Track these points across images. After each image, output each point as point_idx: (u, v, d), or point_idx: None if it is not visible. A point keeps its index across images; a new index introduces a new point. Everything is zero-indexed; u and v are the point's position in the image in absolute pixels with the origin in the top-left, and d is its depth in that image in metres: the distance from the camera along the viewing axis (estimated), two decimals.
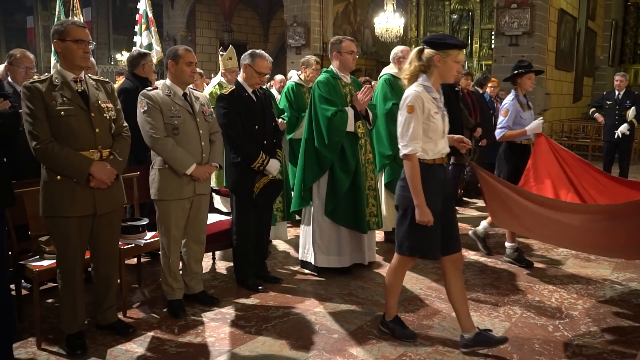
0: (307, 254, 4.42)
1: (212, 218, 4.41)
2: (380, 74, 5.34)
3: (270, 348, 3.18)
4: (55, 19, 6.75)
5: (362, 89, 4.15)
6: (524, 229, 3.95)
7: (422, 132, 2.94)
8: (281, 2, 15.46)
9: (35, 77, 3.07)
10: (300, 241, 4.49)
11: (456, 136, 3.28)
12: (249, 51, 4.06)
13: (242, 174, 3.95)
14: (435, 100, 2.98)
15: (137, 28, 7.65)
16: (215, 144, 3.70)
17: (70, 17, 6.69)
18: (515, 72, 4.73)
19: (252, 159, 3.88)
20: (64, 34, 2.95)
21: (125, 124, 3.30)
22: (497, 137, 4.74)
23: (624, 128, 7.62)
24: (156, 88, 3.60)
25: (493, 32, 13.86)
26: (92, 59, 4.09)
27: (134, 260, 4.24)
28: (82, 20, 6.93)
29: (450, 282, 3.14)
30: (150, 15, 7.55)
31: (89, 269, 3.36)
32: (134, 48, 7.50)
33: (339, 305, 3.80)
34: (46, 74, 3.07)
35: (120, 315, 3.51)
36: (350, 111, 4.11)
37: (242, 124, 3.89)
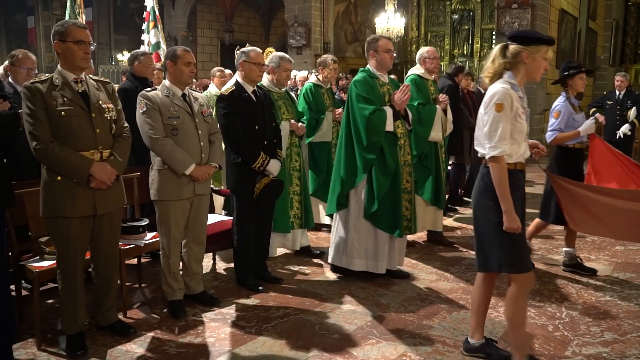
0: (342, 259, 4.24)
1: (213, 218, 4.42)
2: (407, 74, 5.27)
3: (270, 348, 3.18)
4: (67, 17, 6.68)
5: (401, 87, 4.05)
6: (607, 229, 3.87)
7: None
8: (282, 2, 15.47)
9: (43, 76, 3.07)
10: (332, 245, 4.31)
11: (531, 141, 3.11)
12: (239, 52, 4.10)
13: (242, 174, 3.95)
14: (521, 99, 2.80)
15: (144, 26, 7.54)
16: (215, 145, 3.70)
17: (76, 18, 6.66)
18: (565, 73, 4.55)
19: (253, 159, 3.88)
20: (65, 34, 2.96)
21: (126, 124, 3.30)
22: (548, 140, 4.57)
23: (625, 128, 7.63)
24: (155, 89, 3.61)
25: (494, 32, 13.83)
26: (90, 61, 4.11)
27: (135, 261, 4.24)
28: (83, 21, 6.90)
29: (485, 289, 3.00)
30: (157, 12, 7.45)
31: (89, 270, 3.36)
32: (141, 47, 7.46)
33: (339, 306, 3.80)
34: (47, 74, 3.07)
35: (120, 316, 3.51)
36: (388, 110, 4.00)
37: (242, 124, 3.90)
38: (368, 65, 4.20)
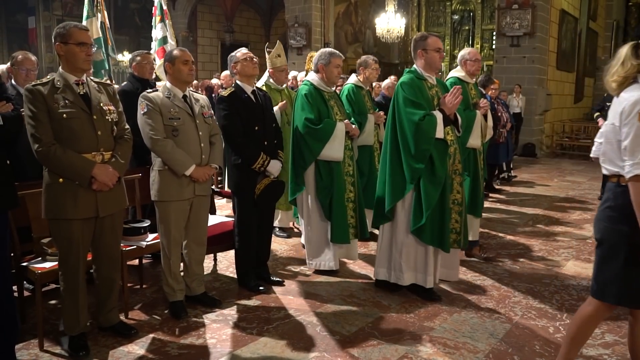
0: (390, 274, 3.96)
1: (214, 219, 4.42)
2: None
3: (271, 349, 3.19)
4: (84, 18, 6.55)
5: (452, 90, 3.71)
6: None
7: None
8: (282, 3, 15.49)
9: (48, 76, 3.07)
10: (378, 260, 4.04)
11: None
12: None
13: (243, 175, 3.96)
14: None
15: (153, 21, 7.42)
16: (215, 146, 3.71)
17: (95, 15, 6.59)
18: None
19: (253, 159, 3.90)
20: (67, 36, 2.97)
21: (127, 126, 3.31)
22: None
23: None
24: (157, 90, 3.62)
25: (494, 33, 13.85)
26: None
27: (136, 262, 4.25)
28: (105, 19, 6.75)
29: (595, 319, 2.67)
30: (165, 7, 7.30)
31: (91, 271, 3.37)
32: (152, 43, 7.38)
33: (340, 307, 3.81)
34: (48, 76, 3.08)
35: (122, 317, 3.52)
36: (438, 115, 3.66)
37: (242, 125, 3.90)
38: (415, 66, 3.88)
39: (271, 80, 5.32)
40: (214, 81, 9.77)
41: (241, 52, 4.07)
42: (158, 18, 7.21)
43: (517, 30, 12.41)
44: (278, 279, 4.27)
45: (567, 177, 10.06)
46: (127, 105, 3.89)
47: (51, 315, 3.62)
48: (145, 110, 3.46)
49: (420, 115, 3.62)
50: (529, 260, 4.90)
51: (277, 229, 5.59)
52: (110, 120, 3.14)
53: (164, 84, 3.68)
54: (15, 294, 3.38)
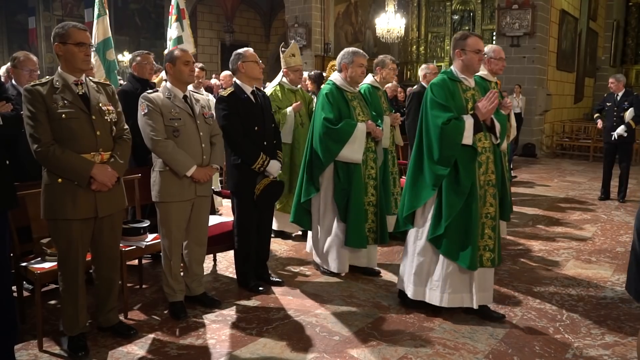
0: (406, 283, 3.73)
1: (214, 220, 4.42)
2: None
3: (271, 350, 3.18)
4: (95, 16, 6.41)
5: (487, 94, 3.47)
6: None
7: None
8: (283, 3, 15.48)
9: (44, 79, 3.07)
10: (404, 274, 3.77)
11: None
12: (233, 56, 4.06)
13: (243, 175, 3.96)
14: None
15: (169, 20, 7.13)
16: (216, 146, 3.71)
17: (105, 13, 6.47)
18: None
19: (253, 160, 3.89)
20: (66, 37, 2.96)
21: (126, 126, 3.31)
22: None
23: (620, 130, 7.56)
24: (157, 90, 3.61)
25: (494, 33, 13.85)
26: (93, 61, 4.11)
27: (135, 262, 4.24)
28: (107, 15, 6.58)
29: None
30: (182, 6, 6.97)
31: (91, 271, 3.37)
32: (166, 42, 7.17)
33: (340, 307, 3.80)
34: (47, 77, 3.08)
35: (121, 317, 3.51)
36: (468, 120, 3.41)
37: (242, 126, 3.90)
38: (451, 67, 3.65)
39: (285, 80, 5.22)
40: (214, 81, 9.76)
41: (250, 52, 4.05)
42: (174, 17, 6.94)
43: (517, 31, 12.42)
44: (278, 279, 4.27)
45: (567, 178, 10.05)
46: (127, 106, 3.90)
47: (51, 316, 3.62)
48: (146, 111, 3.46)
49: (445, 119, 3.39)
50: (529, 261, 4.90)
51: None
52: (109, 120, 3.13)
53: (164, 84, 3.68)
54: (15, 294, 3.38)
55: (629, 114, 7.56)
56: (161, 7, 18.26)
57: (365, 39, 16.16)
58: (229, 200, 4.88)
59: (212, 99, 5.78)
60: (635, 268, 2.45)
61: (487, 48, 4.83)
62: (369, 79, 5.32)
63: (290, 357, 3.10)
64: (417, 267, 3.62)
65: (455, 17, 15.63)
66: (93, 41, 6.19)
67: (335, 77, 4.32)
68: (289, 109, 5.14)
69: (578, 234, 5.93)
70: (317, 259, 4.50)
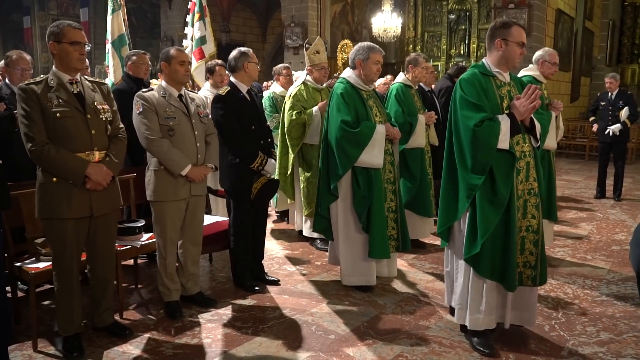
0: (465, 316, 3.21)
1: (209, 219, 4.41)
2: (520, 76, 4.69)
3: (266, 349, 3.18)
4: (110, 12, 6.12)
5: (526, 90, 3.03)
6: None
7: None
8: (279, 2, 15.45)
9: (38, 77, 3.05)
10: (455, 296, 3.31)
11: None
12: (237, 53, 4.01)
13: (240, 175, 3.95)
14: None
15: (188, 18, 6.81)
16: (211, 145, 3.70)
17: (120, 8, 6.18)
18: None
19: (252, 159, 3.89)
20: (60, 35, 2.95)
21: (122, 125, 3.30)
22: None
23: (615, 128, 7.63)
24: (152, 89, 3.60)
25: None
26: (87, 60, 4.09)
27: (131, 262, 4.24)
28: (125, 15, 6.28)
29: None
30: (204, 3, 6.63)
31: (86, 271, 3.36)
32: (184, 41, 6.85)
33: (335, 306, 3.80)
34: (42, 75, 3.06)
35: (116, 317, 3.50)
36: (504, 121, 2.97)
37: (240, 125, 3.89)
38: (484, 59, 3.19)
39: (309, 78, 5.00)
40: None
41: (252, 52, 4.05)
42: (197, 15, 6.60)
43: None
44: (274, 278, 4.26)
45: (563, 176, 10.07)
46: (122, 105, 3.87)
47: (45, 316, 3.60)
48: (141, 109, 3.45)
49: (477, 120, 2.96)
50: None
51: (318, 241, 5.18)
52: (104, 119, 3.12)
53: (159, 83, 3.67)
54: (9, 295, 3.37)
55: (624, 112, 7.60)
56: (157, 7, 18.21)
57: (361, 38, 16.13)
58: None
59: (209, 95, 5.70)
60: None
61: (543, 51, 4.84)
62: (400, 77, 5.22)
63: (286, 356, 3.10)
64: (461, 290, 3.20)
65: (452, 16, 15.63)
66: (108, 38, 6.10)
67: (349, 74, 4.02)
68: (314, 109, 4.90)
69: (574, 232, 5.94)
70: (345, 275, 4.11)
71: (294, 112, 4.91)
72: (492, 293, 3.11)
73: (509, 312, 3.16)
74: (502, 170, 3.00)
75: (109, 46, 6.10)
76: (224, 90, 4.03)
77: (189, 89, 3.95)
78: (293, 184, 5.19)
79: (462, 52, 15.27)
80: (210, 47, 6.63)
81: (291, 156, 5.04)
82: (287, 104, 5.00)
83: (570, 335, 3.37)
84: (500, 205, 2.99)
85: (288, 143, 5.02)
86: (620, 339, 3.34)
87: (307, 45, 5.03)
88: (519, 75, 4.79)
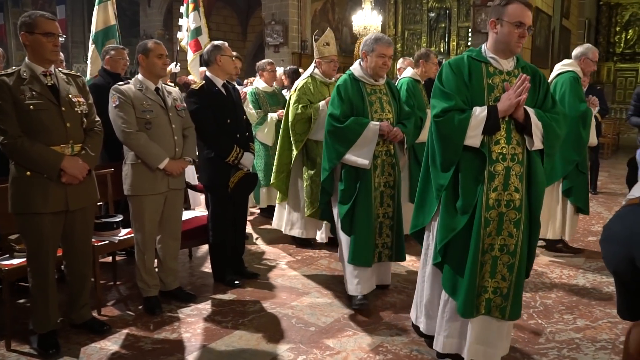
0: (417, 315, 3.12)
1: (189, 214, 4.38)
2: (560, 71, 4.70)
3: (246, 342, 3.17)
4: (97, 2, 5.79)
5: (517, 80, 2.59)
6: None
7: None
8: (259, 1, 15.41)
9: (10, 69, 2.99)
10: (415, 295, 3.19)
11: None
12: (210, 47, 4.00)
13: (216, 169, 3.93)
14: None
15: (182, 9, 6.62)
16: (189, 139, 3.68)
17: (106, 2, 5.81)
18: None
19: (227, 152, 3.87)
20: (32, 26, 2.90)
21: (98, 118, 3.26)
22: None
23: None
24: (129, 82, 3.56)
25: (470, 30, 13.97)
26: (61, 54, 4.03)
27: (109, 259, 4.19)
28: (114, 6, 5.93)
29: None
30: None
31: (62, 267, 3.31)
32: (178, 33, 6.64)
33: (315, 299, 3.80)
34: (13, 67, 3.01)
35: (94, 314, 3.46)
36: (479, 114, 2.58)
37: (215, 119, 3.87)
38: (484, 43, 2.78)
39: (317, 71, 4.71)
40: (191, 77, 9.68)
41: (226, 45, 4.01)
42: (191, 6, 6.42)
43: None
44: (254, 272, 4.25)
45: None
46: (99, 100, 3.82)
47: (20, 314, 3.53)
48: (117, 103, 3.42)
49: (439, 110, 2.64)
50: None
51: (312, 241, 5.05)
52: (79, 112, 3.08)
53: (135, 76, 3.63)
54: None
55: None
56: (136, 5, 18.03)
57: (342, 36, 16.15)
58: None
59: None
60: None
61: (586, 47, 4.78)
62: (409, 72, 5.11)
63: (266, 349, 3.09)
64: (428, 296, 2.96)
65: (432, 14, 15.73)
66: (92, 30, 5.91)
67: (355, 66, 3.75)
68: (321, 103, 4.59)
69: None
70: (346, 280, 3.78)
71: (300, 106, 4.57)
72: (455, 315, 2.75)
73: (470, 343, 2.72)
74: (468, 173, 2.62)
75: (91, 38, 5.91)
76: (197, 84, 4.01)
77: (190, 83, 3.90)
78: (288, 182, 4.90)
79: (442, 49, 15.38)
80: (205, 39, 6.46)
81: (294, 153, 4.68)
82: (293, 97, 4.68)
83: (547, 323, 3.42)
84: (464, 213, 2.63)
85: (292, 139, 4.65)
86: (596, 325, 3.40)
87: (316, 37, 4.73)
88: (557, 70, 4.74)
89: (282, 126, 4.86)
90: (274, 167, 4.83)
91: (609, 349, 3.08)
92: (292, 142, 4.67)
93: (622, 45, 17.14)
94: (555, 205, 4.73)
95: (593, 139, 4.66)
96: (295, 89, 4.70)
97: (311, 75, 4.73)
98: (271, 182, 4.94)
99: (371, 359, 2.97)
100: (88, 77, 5.60)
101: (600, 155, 8.40)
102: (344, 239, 3.67)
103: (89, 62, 5.82)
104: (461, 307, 2.66)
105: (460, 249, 2.66)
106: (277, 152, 4.83)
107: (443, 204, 2.68)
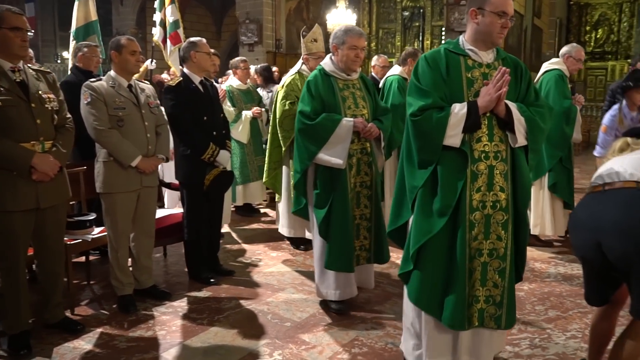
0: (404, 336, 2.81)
1: (163, 212, 4.35)
2: (546, 69, 4.86)
3: (222, 338, 3.16)
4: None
5: (495, 74, 2.42)
6: None
7: None
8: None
9: None
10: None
11: None
12: (186, 44, 3.99)
13: (192, 166, 3.91)
14: None
15: (156, 4, 6.44)
16: (162, 136, 3.66)
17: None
18: (624, 84, 4.41)
19: (202, 150, 3.85)
20: None
21: (69, 115, 3.22)
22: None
23: None
24: (101, 79, 3.53)
25: (443, 29, 14.12)
26: (31, 51, 3.97)
27: (83, 259, 4.13)
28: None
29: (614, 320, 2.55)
30: None
31: (33, 266, 3.26)
32: (153, 29, 6.55)
33: (291, 295, 3.81)
34: None
35: (68, 313, 3.42)
36: (459, 111, 2.41)
37: (191, 116, 3.85)
38: (462, 35, 2.61)
39: (305, 68, 4.61)
40: (164, 76, 9.61)
41: (203, 42, 3.99)
42: (167, 0, 6.30)
43: (465, 26, 12.67)
44: (229, 270, 4.24)
45: None
46: (70, 98, 3.77)
47: None
48: (89, 100, 3.38)
49: (416, 108, 2.45)
50: None
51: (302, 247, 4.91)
52: (50, 108, 3.03)
53: (108, 73, 3.59)
54: None
55: None
56: (109, 3, 17.80)
57: None
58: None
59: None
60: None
61: (571, 46, 4.91)
62: (397, 69, 5.11)
63: (241, 344, 3.09)
64: (412, 317, 2.68)
65: (406, 13, 15.85)
66: (72, 26, 5.81)
67: (326, 61, 3.58)
68: None
69: None
70: (317, 284, 3.63)
71: (287, 102, 4.44)
72: (435, 330, 2.53)
73: (461, 355, 2.56)
74: (448, 173, 2.44)
75: (72, 34, 5.81)
76: (174, 81, 3.99)
77: (171, 76, 3.86)
78: (282, 179, 4.78)
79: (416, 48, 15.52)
80: (181, 32, 6.40)
81: (283, 150, 4.58)
82: (280, 93, 4.58)
83: (520, 314, 3.47)
84: (441, 215, 2.44)
85: (279, 135, 4.53)
86: (567, 315, 3.47)
87: (304, 33, 4.65)
88: (544, 68, 4.87)
89: (270, 123, 4.78)
90: (266, 165, 4.72)
91: (578, 338, 3.15)
92: (280, 138, 4.56)
93: (592, 44, 17.50)
94: (542, 201, 4.85)
95: (577, 135, 4.78)
96: (283, 86, 4.62)
97: (299, 72, 4.63)
98: (264, 180, 4.84)
99: (347, 353, 2.99)
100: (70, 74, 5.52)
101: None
102: (321, 243, 3.48)
103: (70, 58, 5.72)
104: (449, 318, 2.42)
105: (436, 255, 2.46)
106: (267, 150, 4.74)
107: (418, 205, 2.49)
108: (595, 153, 4.51)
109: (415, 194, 2.50)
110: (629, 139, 2.50)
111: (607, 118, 4.43)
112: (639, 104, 4.31)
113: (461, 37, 2.58)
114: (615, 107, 4.42)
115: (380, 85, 5.38)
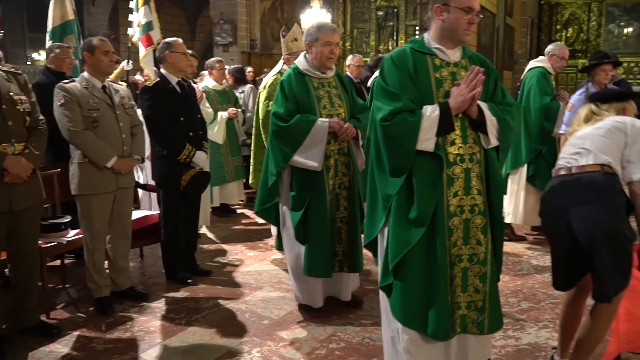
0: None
1: (139, 213, 4.33)
2: (531, 66, 4.98)
3: (201, 338, 3.17)
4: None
5: (468, 73, 2.30)
6: None
7: None
8: (208, 0, 15.28)
9: None
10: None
11: None
12: (162, 44, 4.00)
13: (168, 167, 3.90)
14: None
15: (132, 4, 6.33)
16: (137, 137, 3.65)
17: None
18: (591, 62, 4.52)
19: (178, 150, 3.85)
20: None
21: (42, 117, 3.19)
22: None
23: None
24: (74, 80, 3.50)
25: (417, 28, 14.25)
26: (0, 52, 3.92)
27: (58, 262, 4.09)
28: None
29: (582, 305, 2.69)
30: None
31: (6, 271, 3.22)
32: (129, 29, 6.42)
33: (269, 294, 3.83)
34: None
35: (43, 317, 3.38)
36: (431, 114, 2.27)
37: (168, 116, 3.84)
38: (426, 33, 2.47)
39: (286, 67, 4.47)
40: (138, 77, 9.53)
41: (179, 42, 3.99)
42: (141, 1, 6.18)
43: None
44: (207, 270, 4.24)
45: None
46: (43, 100, 3.73)
47: None
48: (63, 101, 3.35)
49: (386, 113, 2.28)
50: None
51: None
52: (22, 110, 3.01)
53: (81, 74, 3.57)
54: None
55: None
56: (80, 4, 17.55)
57: None
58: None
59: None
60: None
61: (555, 45, 5.02)
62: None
63: (220, 343, 3.10)
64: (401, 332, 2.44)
65: (380, 13, 15.94)
66: (48, 26, 5.71)
67: (300, 59, 3.46)
68: None
69: None
70: (295, 290, 3.56)
71: (270, 103, 4.18)
72: (419, 343, 2.38)
73: None
74: (424, 178, 2.31)
75: (47, 34, 5.72)
76: (151, 81, 3.98)
77: (145, 77, 3.84)
78: None
79: (390, 47, 15.58)
80: (157, 34, 6.32)
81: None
82: (263, 94, 4.50)
83: None
84: (420, 224, 2.30)
85: (262, 136, 4.44)
86: (539, 306, 3.56)
87: (283, 33, 4.61)
88: (529, 66, 4.98)
89: (254, 124, 4.72)
90: (251, 166, 4.70)
91: (550, 327, 3.24)
92: (264, 139, 4.47)
93: (563, 43, 17.83)
94: (517, 190, 4.95)
95: (558, 130, 4.84)
96: (265, 87, 4.56)
97: (280, 72, 4.53)
98: (250, 181, 4.82)
99: (324, 348, 3.03)
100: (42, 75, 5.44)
101: None
102: (295, 249, 3.40)
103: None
104: (433, 328, 2.31)
105: (416, 266, 2.32)
106: (252, 152, 4.71)
107: (394, 215, 2.34)
108: (560, 131, 4.63)
109: (389, 202, 2.36)
110: (593, 107, 2.65)
111: (574, 97, 4.58)
112: (604, 82, 4.48)
113: (426, 36, 2.45)
114: (583, 87, 4.57)
115: (369, 84, 5.32)
